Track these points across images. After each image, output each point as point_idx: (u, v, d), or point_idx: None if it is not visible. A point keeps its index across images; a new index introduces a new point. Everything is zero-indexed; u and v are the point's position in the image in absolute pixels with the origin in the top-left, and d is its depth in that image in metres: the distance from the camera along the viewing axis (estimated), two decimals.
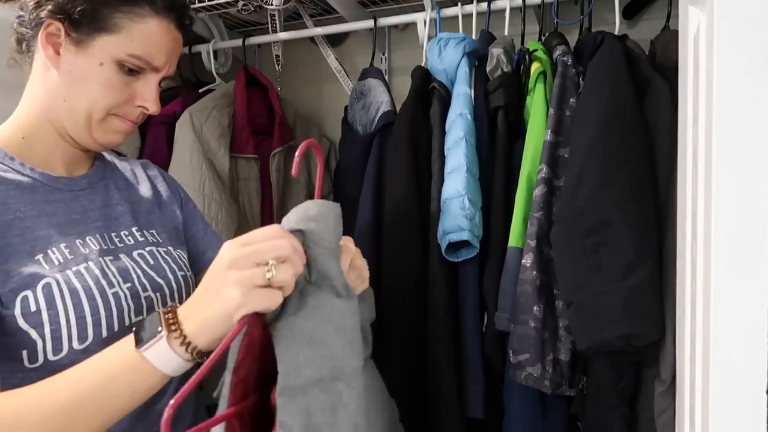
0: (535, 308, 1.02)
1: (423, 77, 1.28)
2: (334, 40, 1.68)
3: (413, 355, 1.16)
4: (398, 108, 1.31)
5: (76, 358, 0.65)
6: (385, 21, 1.46)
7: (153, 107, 0.78)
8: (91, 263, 0.72)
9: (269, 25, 1.57)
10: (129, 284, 0.75)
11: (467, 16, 1.37)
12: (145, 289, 0.77)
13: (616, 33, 1.16)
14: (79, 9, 0.71)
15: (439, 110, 1.21)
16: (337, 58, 1.63)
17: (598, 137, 1.00)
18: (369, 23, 1.46)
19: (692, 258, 0.70)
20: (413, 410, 1.15)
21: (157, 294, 0.79)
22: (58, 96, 0.74)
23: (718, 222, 0.59)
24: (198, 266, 0.92)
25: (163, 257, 0.82)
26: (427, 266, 1.15)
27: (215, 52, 1.64)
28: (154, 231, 0.85)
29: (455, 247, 1.10)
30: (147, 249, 0.81)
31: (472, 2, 1.35)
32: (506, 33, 1.29)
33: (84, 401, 0.56)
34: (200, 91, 1.60)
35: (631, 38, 1.15)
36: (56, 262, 0.69)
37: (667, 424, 0.95)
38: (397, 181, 1.19)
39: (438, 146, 1.19)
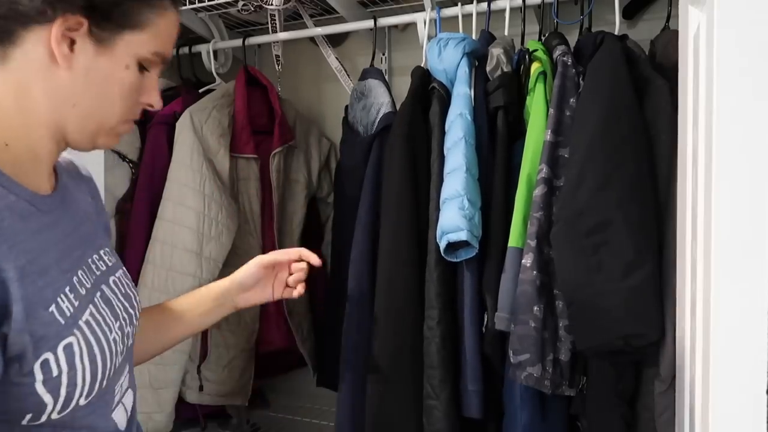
0: (535, 308, 1.02)
1: (423, 77, 1.28)
2: (334, 40, 1.68)
3: (412, 355, 1.16)
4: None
5: (76, 413, 0.60)
6: (385, 21, 1.46)
7: (159, 104, 0.72)
8: (91, 306, 0.63)
9: (269, 25, 1.57)
10: (118, 323, 0.67)
11: (467, 16, 1.37)
12: (126, 323, 0.70)
13: (616, 33, 1.17)
14: (109, 1, 0.62)
15: (438, 110, 1.21)
16: (337, 58, 1.62)
17: (598, 137, 1.00)
18: (369, 23, 1.46)
19: (692, 258, 0.70)
20: (412, 410, 1.15)
21: (133, 326, 0.72)
22: (66, 100, 0.63)
23: (718, 222, 0.59)
24: None
25: (124, 281, 0.75)
26: (426, 266, 1.16)
27: (215, 52, 1.64)
28: (107, 248, 0.75)
29: (454, 247, 1.10)
30: (117, 273, 0.73)
31: (472, 2, 1.35)
32: (506, 33, 1.29)
33: None
34: (200, 91, 1.60)
35: (631, 38, 1.15)
36: (68, 313, 0.59)
37: (667, 424, 0.95)
38: (395, 181, 1.19)
39: (437, 146, 1.19)
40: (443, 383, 1.12)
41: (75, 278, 0.63)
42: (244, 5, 1.50)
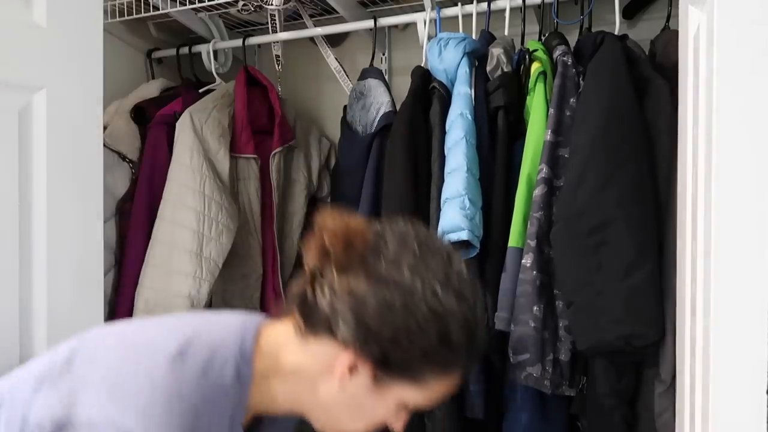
0: (535, 308, 1.02)
1: (423, 77, 1.28)
2: (334, 40, 1.68)
3: None
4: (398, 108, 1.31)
5: None
6: (385, 21, 1.46)
7: (400, 431, 0.70)
8: None
9: (269, 25, 1.57)
10: None
11: (467, 16, 1.37)
12: None
13: (616, 33, 1.17)
14: (399, 357, 0.60)
15: (439, 110, 1.21)
16: (336, 58, 1.62)
17: (598, 137, 1.00)
18: (369, 23, 1.46)
19: (692, 258, 0.70)
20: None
21: None
22: (320, 404, 0.66)
23: (718, 222, 0.59)
24: None
25: None
26: None
27: (215, 52, 1.64)
28: None
29: (455, 247, 1.10)
30: None
31: (472, 2, 1.35)
32: (506, 33, 1.29)
33: None
34: (200, 91, 1.59)
35: (631, 38, 1.15)
36: None
37: (667, 424, 0.95)
38: (396, 181, 1.19)
39: (438, 146, 1.19)
40: None
41: None
42: (244, 5, 1.50)
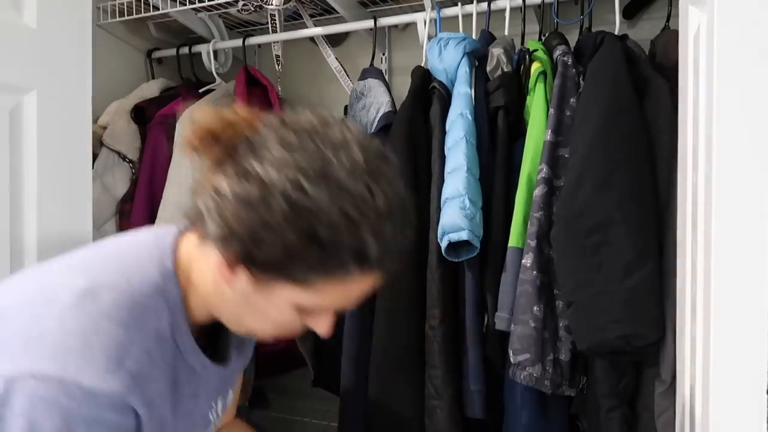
0: (535, 308, 1.02)
1: (423, 77, 1.28)
2: (334, 40, 1.68)
3: (414, 355, 1.15)
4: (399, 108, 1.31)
5: None
6: (385, 21, 1.46)
7: (325, 333, 0.67)
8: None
9: (269, 25, 1.57)
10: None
11: (467, 16, 1.37)
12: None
13: (616, 33, 1.17)
14: (264, 256, 0.56)
15: (439, 110, 1.21)
16: (337, 58, 1.62)
17: (598, 137, 1.00)
18: (369, 23, 1.46)
19: (692, 258, 0.70)
20: (414, 411, 1.15)
21: None
22: (224, 306, 0.65)
23: (718, 222, 0.59)
24: None
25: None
26: (426, 266, 1.15)
27: (215, 52, 1.64)
28: (227, 392, 0.83)
29: (455, 247, 1.10)
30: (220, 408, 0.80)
31: (472, 2, 1.35)
32: (506, 33, 1.29)
33: None
34: (200, 91, 1.60)
35: (631, 38, 1.15)
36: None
37: (667, 424, 0.95)
38: None
39: (438, 146, 1.18)
40: (445, 383, 1.12)
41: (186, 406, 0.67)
42: (244, 5, 1.50)
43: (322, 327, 0.66)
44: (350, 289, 0.61)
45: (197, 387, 0.69)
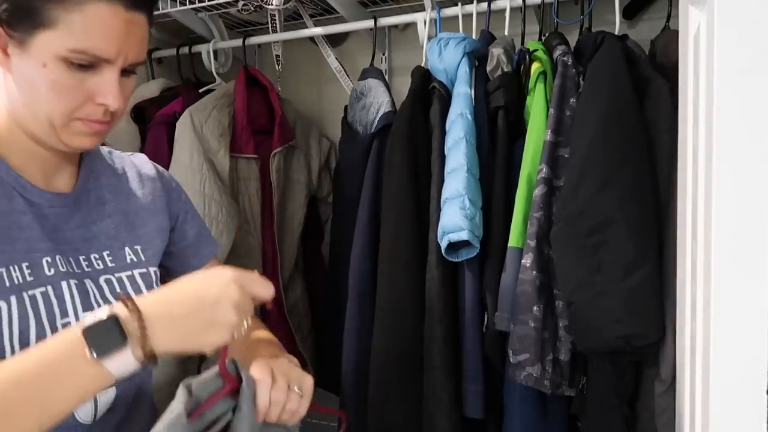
0: (535, 308, 1.02)
1: (423, 77, 1.28)
2: (334, 40, 1.68)
3: (413, 355, 1.16)
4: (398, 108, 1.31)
5: None
6: (385, 21, 1.46)
7: (113, 103, 0.67)
8: (49, 287, 0.66)
9: (269, 25, 1.57)
10: (86, 314, 0.69)
11: (467, 16, 1.37)
12: None
13: (616, 33, 1.17)
14: (5, 6, 0.62)
15: (439, 110, 1.21)
16: (337, 58, 1.63)
17: (598, 137, 1.00)
18: (369, 23, 1.46)
19: (692, 258, 0.70)
20: (414, 410, 1.15)
21: None
22: (17, 101, 0.66)
23: (718, 222, 0.59)
24: (179, 270, 0.86)
25: (133, 283, 0.77)
26: (426, 266, 1.16)
27: (215, 52, 1.64)
28: (138, 247, 0.79)
29: (455, 247, 1.10)
30: (116, 275, 0.75)
31: (472, 2, 1.35)
32: (506, 33, 1.29)
33: (26, 402, 0.53)
34: (200, 91, 1.60)
35: (631, 38, 1.15)
36: (15, 282, 0.64)
37: (667, 424, 0.95)
38: (396, 181, 1.19)
39: (438, 146, 1.19)
40: (445, 383, 1.12)
41: (46, 259, 0.67)
42: (244, 5, 1.50)
43: (107, 90, 0.67)
44: (97, 22, 0.63)
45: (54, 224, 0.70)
